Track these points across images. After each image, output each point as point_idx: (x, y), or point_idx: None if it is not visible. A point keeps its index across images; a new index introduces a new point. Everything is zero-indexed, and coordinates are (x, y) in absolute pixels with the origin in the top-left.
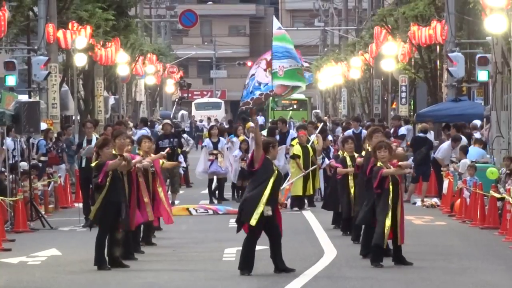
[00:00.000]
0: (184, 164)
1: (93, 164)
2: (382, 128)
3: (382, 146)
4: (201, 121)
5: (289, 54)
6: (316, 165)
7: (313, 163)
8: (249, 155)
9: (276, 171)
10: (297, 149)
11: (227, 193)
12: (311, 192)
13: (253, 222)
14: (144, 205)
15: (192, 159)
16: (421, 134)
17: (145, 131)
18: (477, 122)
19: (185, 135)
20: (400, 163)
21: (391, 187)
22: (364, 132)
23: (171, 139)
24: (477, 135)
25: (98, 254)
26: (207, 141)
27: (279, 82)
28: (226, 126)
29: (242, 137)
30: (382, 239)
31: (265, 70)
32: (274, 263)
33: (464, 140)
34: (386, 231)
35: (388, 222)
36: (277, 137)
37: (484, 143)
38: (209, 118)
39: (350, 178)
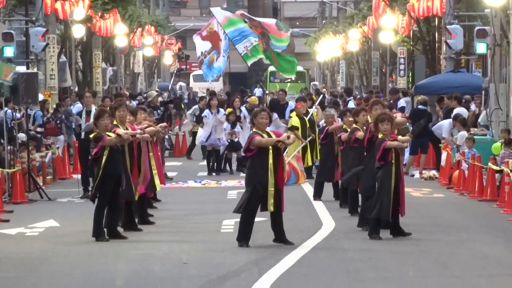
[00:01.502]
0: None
1: (91, 136)
2: (383, 100)
3: (385, 119)
4: (196, 93)
5: (245, 34)
6: (312, 137)
7: (310, 135)
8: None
9: (270, 148)
10: (295, 121)
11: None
12: (309, 164)
13: (272, 208)
14: (148, 176)
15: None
16: (420, 106)
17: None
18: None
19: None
20: (399, 137)
21: (394, 159)
22: (351, 103)
23: (158, 111)
24: (472, 106)
25: (96, 226)
26: (207, 112)
27: (253, 61)
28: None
29: (229, 110)
30: (387, 213)
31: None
32: (275, 233)
33: (465, 112)
34: (390, 205)
35: (391, 196)
36: None
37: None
38: (208, 89)
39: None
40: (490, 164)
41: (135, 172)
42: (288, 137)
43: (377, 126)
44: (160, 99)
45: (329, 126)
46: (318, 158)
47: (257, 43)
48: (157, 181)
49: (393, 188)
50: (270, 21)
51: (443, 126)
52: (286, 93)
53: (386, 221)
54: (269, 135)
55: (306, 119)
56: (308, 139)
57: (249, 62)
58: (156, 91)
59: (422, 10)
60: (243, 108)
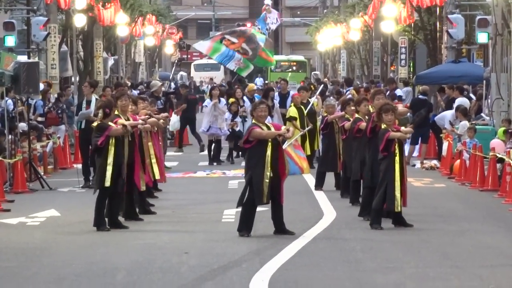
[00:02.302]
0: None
1: (94, 124)
2: (384, 90)
3: (389, 109)
4: (201, 82)
5: (230, 54)
6: (310, 126)
7: (308, 124)
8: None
9: (269, 140)
10: (293, 111)
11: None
12: (309, 153)
13: (265, 200)
14: (147, 167)
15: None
16: (421, 96)
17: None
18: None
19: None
20: (402, 128)
21: (397, 150)
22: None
23: (161, 101)
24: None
25: (98, 215)
26: (207, 101)
27: (247, 72)
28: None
29: (232, 99)
30: (394, 204)
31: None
32: (275, 224)
33: (466, 102)
34: (398, 195)
35: (398, 186)
36: (277, 98)
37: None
38: (211, 79)
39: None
40: (491, 152)
41: (137, 162)
42: (288, 130)
43: (380, 116)
44: (162, 88)
45: (329, 115)
46: (316, 148)
47: (243, 58)
48: (155, 169)
49: (398, 178)
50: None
51: (445, 117)
52: (288, 83)
53: (391, 211)
54: (268, 128)
55: (306, 110)
56: (306, 129)
57: (244, 74)
58: (158, 80)
59: (422, 0)
60: (245, 98)
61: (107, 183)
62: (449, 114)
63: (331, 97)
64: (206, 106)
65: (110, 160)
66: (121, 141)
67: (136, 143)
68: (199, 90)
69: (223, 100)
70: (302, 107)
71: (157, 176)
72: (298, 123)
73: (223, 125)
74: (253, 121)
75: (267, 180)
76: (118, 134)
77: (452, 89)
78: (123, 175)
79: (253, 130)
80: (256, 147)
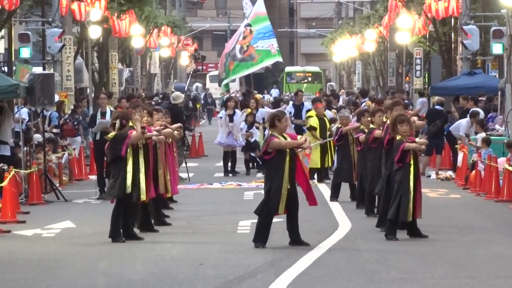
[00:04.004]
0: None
1: (111, 135)
2: (402, 101)
3: (405, 120)
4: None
5: (270, 34)
6: (332, 138)
7: (330, 135)
8: (263, 145)
9: (288, 150)
10: (314, 121)
11: (240, 167)
12: (330, 165)
13: (281, 211)
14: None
15: (207, 132)
16: (437, 107)
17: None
18: None
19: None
20: (417, 139)
21: (412, 161)
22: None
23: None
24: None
25: (114, 227)
26: (223, 113)
27: (275, 60)
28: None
29: (249, 110)
30: (406, 214)
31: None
32: (290, 235)
33: (481, 113)
34: (410, 206)
35: (411, 197)
36: (292, 109)
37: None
38: (228, 91)
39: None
40: (506, 165)
41: (150, 174)
42: (305, 140)
43: (394, 127)
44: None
45: (344, 127)
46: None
47: (278, 49)
48: (168, 184)
49: (412, 189)
50: None
51: (461, 125)
52: (303, 94)
53: (404, 222)
54: (285, 138)
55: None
56: (328, 139)
57: (272, 61)
58: (172, 91)
59: (438, 11)
60: (260, 109)
61: (128, 189)
62: (464, 121)
63: (345, 109)
64: (221, 117)
65: (129, 168)
66: (137, 152)
67: (150, 155)
68: (207, 103)
69: (238, 111)
70: (325, 118)
71: (169, 194)
72: (318, 133)
73: (238, 136)
74: (271, 131)
75: (285, 192)
76: (139, 139)
77: (466, 99)
78: (137, 185)
79: (271, 141)
80: (274, 158)
